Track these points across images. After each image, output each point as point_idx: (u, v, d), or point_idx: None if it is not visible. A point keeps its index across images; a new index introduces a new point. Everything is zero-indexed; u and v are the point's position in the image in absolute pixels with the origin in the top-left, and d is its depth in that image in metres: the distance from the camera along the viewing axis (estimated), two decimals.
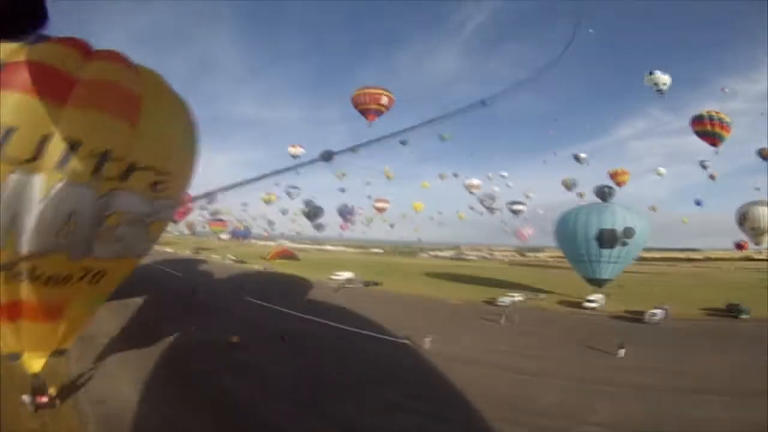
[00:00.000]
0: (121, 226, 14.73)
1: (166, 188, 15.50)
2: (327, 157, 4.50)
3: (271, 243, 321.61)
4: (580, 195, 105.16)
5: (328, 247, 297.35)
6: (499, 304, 47.30)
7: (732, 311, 40.42)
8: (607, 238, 42.92)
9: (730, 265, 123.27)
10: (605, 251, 43.88)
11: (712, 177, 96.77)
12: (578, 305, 45.97)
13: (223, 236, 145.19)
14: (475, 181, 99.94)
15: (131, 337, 29.08)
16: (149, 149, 14.66)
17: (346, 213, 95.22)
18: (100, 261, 15.28)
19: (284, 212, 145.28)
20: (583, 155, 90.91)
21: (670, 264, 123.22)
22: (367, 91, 53.79)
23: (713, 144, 54.97)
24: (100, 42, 14.76)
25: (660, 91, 60.34)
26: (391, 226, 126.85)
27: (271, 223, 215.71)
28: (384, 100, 53.43)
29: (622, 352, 28.27)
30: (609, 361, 27.59)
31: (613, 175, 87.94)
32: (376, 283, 63.12)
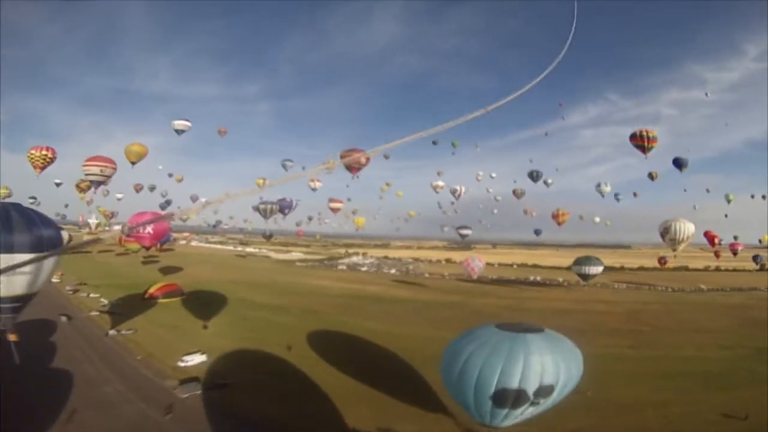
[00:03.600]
0: None
1: None
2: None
3: (194, 243, 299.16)
4: (527, 212, 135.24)
5: (250, 250, 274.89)
6: None
7: None
8: (510, 400, 24.00)
9: (666, 281, 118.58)
10: (505, 410, 25.08)
11: (635, 194, 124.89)
12: None
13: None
14: (440, 183, 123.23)
15: None
16: None
17: (285, 207, 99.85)
18: None
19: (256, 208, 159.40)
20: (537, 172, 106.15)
21: (602, 284, 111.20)
22: (350, 154, 67.33)
23: (643, 152, 72.55)
24: None
25: (602, 194, 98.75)
26: (354, 212, 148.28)
27: (219, 222, 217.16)
28: (363, 160, 69.48)
29: None
30: None
31: (555, 216, 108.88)
32: (223, 385, 45.55)
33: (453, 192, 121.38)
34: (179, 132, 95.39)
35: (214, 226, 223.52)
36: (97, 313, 72.31)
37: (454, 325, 69.83)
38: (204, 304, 78.21)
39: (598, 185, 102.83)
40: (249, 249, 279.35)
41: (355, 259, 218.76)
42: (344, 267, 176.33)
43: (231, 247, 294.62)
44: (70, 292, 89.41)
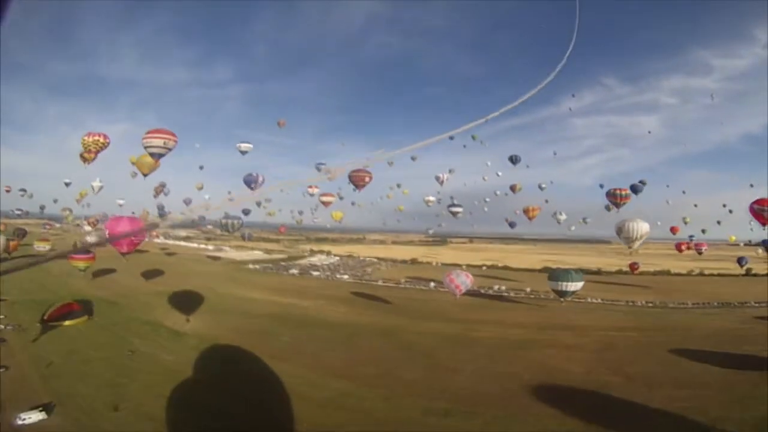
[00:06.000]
0: None
1: None
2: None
3: (158, 240, 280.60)
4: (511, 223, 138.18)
5: (221, 252, 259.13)
6: None
7: None
8: None
9: (646, 292, 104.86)
10: None
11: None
12: None
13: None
14: (432, 198, 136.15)
15: None
16: None
17: (251, 182, 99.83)
18: None
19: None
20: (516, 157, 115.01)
21: (574, 299, 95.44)
22: (357, 173, 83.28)
23: (617, 207, 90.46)
24: None
25: (558, 222, 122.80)
26: (354, 204, 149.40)
27: (203, 219, 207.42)
28: (367, 179, 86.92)
29: None
30: None
31: (526, 211, 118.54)
32: None
33: (437, 179, 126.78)
34: (243, 153, 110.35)
35: (198, 222, 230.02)
36: None
37: (360, 370, 56.73)
38: (102, 328, 71.18)
39: (554, 214, 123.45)
40: (210, 248, 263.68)
41: (314, 259, 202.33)
42: (296, 271, 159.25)
43: (195, 245, 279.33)
44: None
